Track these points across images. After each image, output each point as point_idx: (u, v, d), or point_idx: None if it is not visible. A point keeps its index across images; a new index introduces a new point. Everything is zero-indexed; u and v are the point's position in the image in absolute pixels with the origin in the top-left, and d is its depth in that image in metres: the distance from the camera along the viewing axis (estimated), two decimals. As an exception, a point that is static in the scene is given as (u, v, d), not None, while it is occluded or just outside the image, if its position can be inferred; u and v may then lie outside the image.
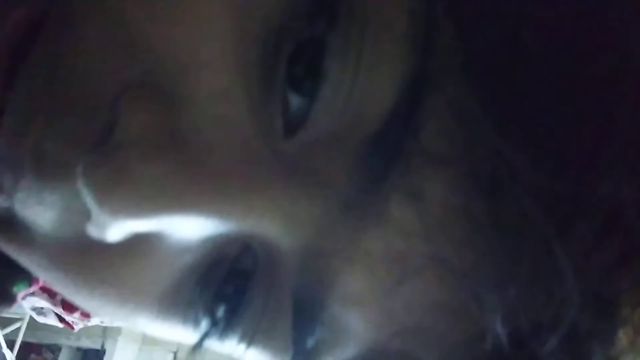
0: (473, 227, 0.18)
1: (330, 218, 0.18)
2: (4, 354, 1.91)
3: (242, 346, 0.21)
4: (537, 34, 0.17)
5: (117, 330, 2.29)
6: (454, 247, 0.18)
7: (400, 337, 0.20)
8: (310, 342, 0.20)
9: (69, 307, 1.00)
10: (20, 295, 0.39)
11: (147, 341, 2.44)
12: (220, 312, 0.20)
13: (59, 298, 1.02)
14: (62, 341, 2.38)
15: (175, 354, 2.40)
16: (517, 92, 0.17)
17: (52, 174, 0.18)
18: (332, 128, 0.18)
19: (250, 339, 0.21)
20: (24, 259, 0.21)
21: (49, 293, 0.97)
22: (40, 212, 0.18)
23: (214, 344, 0.21)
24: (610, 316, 0.18)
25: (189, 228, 0.18)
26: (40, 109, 0.17)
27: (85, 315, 1.07)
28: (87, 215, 0.18)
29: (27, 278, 0.39)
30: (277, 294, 0.20)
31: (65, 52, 0.17)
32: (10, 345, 1.96)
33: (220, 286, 0.20)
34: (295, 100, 0.18)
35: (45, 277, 0.21)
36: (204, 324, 0.21)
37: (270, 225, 0.18)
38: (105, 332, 2.28)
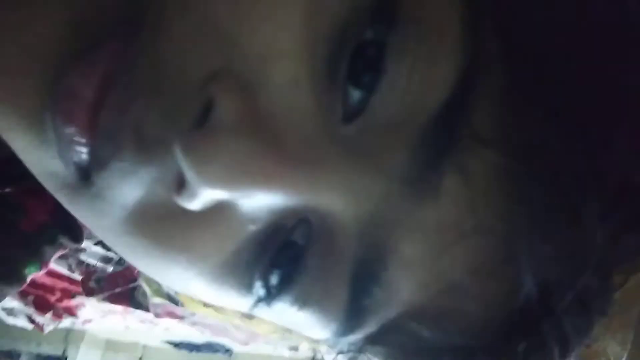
0: (512, 198, 0.21)
1: (389, 193, 0.22)
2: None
3: (294, 309, 0.24)
4: (568, 41, 0.20)
5: (80, 336, 2.25)
6: (495, 216, 0.22)
7: (442, 295, 0.23)
8: (365, 303, 0.23)
9: (42, 307, 0.99)
10: (30, 277, 0.40)
11: (110, 347, 2.41)
12: (275, 278, 0.23)
13: (30, 299, 1.01)
14: (22, 347, 2.32)
15: (140, 359, 2.37)
16: (550, 85, 0.21)
17: (152, 149, 0.21)
18: (389, 116, 0.21)
19: (303, 303, 0.23)
20: (95, 224, 0.23)
21: (20, 293, 0.95)
22: (130, 182, 0.21)
23: (265, 309, 0.24)
24: (608, 283, 0.22)
25: (261, 200, 0.21)
26: (140, 93, 0.20)
27: (58, 316, 1.05)
28: (173, 186, 0.21)
29: (39, 261, 0.39)
30: (334, 261, 0.22)
31: (161, 46, 0.20)
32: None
33: (276, 254, 0.23)
34: (355, 92, 0.21)
35: (115, 242, 0.24)
36: (258, 289, 0.23)
37: (335, 199, 0.21)
38: (68, 337, 2.24)
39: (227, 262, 0.23)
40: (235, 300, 0.24)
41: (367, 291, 0.23)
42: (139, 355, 2.37)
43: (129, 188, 0.21)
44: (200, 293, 0.24)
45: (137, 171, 0.21)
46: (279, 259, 0.23)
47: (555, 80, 0.20)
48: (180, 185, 0.21)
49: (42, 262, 0.39)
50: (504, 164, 0.21)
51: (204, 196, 0.20)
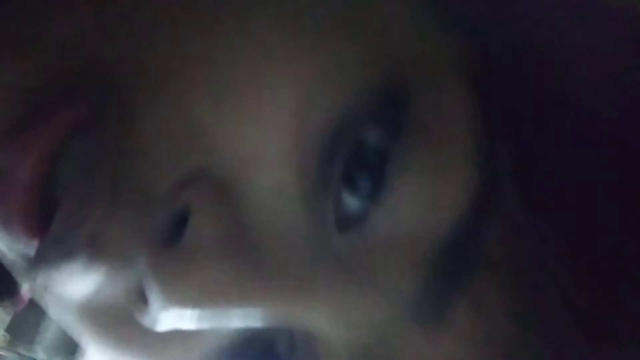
0: (517, 336, 0.19)
1: (387, 321, 0.19)
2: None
3: None
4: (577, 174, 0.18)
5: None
6: (498, 354, 0.19)
7: None
8: None
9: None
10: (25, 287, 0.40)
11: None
12: None
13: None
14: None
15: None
16: (563, 220, 0.18)
17: (109, 259, 0.18)
18: (392, 232, 0.18)
19: None
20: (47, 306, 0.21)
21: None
22: (79, 282, 0.18)
23: None
24: None
25: (234, 321, 0.18)
26: (99, 193, 0.17)
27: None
28: (132, 297, 0.18)
29: None
30: None
31: (127, 141, 0.17)
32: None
33: None
34: (351, 200, 0.18)
35: (67, 324, 0.21)
36: None
37: (323, 323, 0.18)
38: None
39: None
40: None
41: None
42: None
43: (77, 286, 0.18)
44: None
45: (88, 274, 0.18)
46: None
47: (571, 209, 0.18)
48: (141, 297, 0.18)
49: None
50: (511, 299, 0.18)
51: (170, 321, 0.17)
